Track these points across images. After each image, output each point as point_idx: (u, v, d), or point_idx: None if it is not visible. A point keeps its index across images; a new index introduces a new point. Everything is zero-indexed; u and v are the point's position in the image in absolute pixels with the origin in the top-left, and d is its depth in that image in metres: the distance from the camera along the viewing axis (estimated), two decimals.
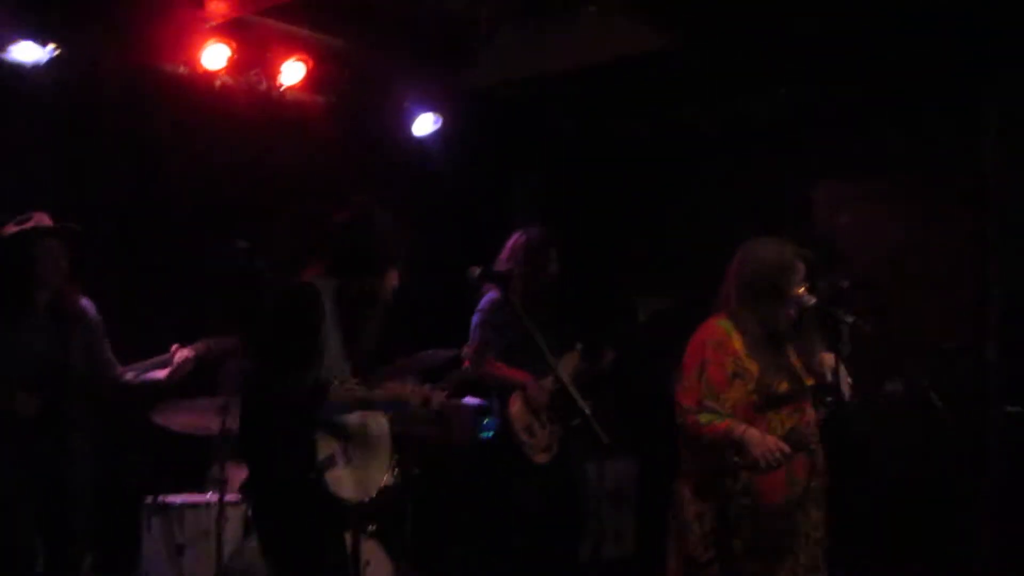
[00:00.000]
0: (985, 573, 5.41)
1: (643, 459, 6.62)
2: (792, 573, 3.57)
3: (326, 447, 3.40)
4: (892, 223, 6.08)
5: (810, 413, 3.65)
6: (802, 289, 3.64)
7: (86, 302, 4.40)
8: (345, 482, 3.36)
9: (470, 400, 5.36)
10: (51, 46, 4.87)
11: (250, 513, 3.63)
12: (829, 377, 3.59)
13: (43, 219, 4.23)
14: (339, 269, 3.46)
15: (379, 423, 3.63)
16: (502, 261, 5.50)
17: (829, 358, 3.62)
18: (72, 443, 4.28)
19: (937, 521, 5.15)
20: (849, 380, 3.68)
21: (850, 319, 3.60)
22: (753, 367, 3.59)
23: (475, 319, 5.35)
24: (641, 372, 5.83)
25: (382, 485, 3.49)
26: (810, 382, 3.68)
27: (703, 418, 3.51)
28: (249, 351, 3.49)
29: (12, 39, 4.84)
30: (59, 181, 5.10)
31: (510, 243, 5.54)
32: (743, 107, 6.27)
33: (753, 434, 3.43)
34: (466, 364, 4.91)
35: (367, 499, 3.45)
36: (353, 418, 3.54)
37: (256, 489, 3.40)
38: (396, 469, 4.49)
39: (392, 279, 3.54)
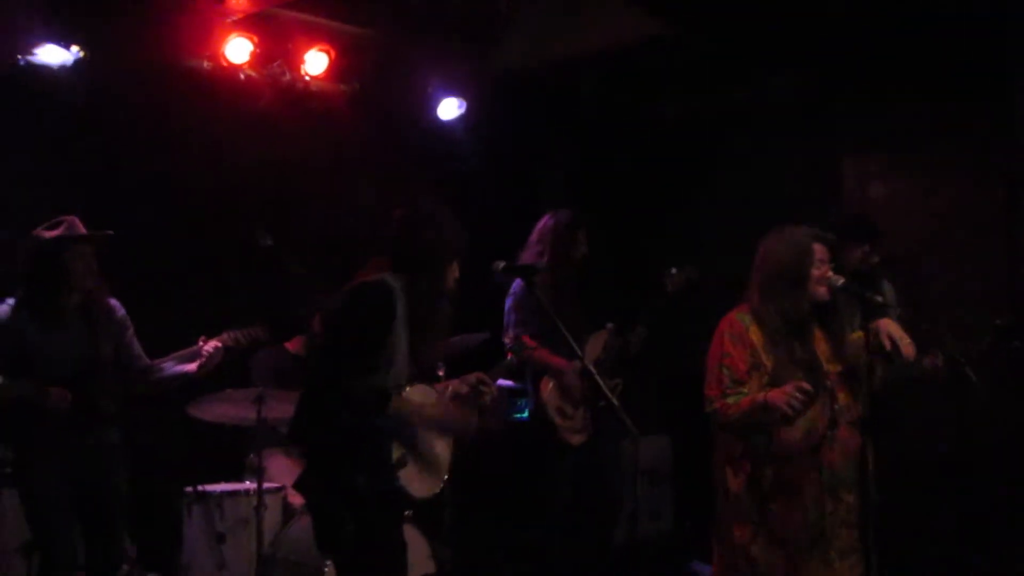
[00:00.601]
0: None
1: (677, 436, 6.60)
2: (824, 555, 3.52)
3: (397, 448, 3.39)
4: (923, 197, 5.99)
5: (841, 398, 3.59)
6: (827, 270, 3.57)
7: (114, 302, 4.41)
8: (414, 480, 3.36)
9: (502, 382, 5.34)
10: (75, 48, 4.88)
11: (307, 508, 3.55)
12: (888, 345, 3.50)
13: (75, 224, 4.24)
14: (405, 266, 3.39)
15: (440, 408, 3.56)
16: (532, 243, 5.48)
17: (885, 324, 3.54)
18: (106, 438, 4.31)
19: (977, 498, 5.01)
20: (908, 340, 3.57)
21: (880, 298, 3.51)
22: (768, 362, 3.57)
23: (508, 302, 5.35)
24: (672, 348, 5.74)
25: (446, 478, 3.45)
26: (834, 370, 3.60)
27: (730, 399, 3.54)
28: (318, 348, 3.40)
29: (38, 42, 4.85)
30: (89, 178, 5.12)
31: (539, 226, 5.50)
32: (769, 84, 6.16)
33: (774, 393, 3.45)
34: (509, 356, 4.87)
35: (433, 494, 3.48)
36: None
37: (325, 487, 3.31)
38: None
39: (454, 272, 3.50)
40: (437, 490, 3.48)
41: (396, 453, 3.34)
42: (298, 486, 3.47)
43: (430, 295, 3.41)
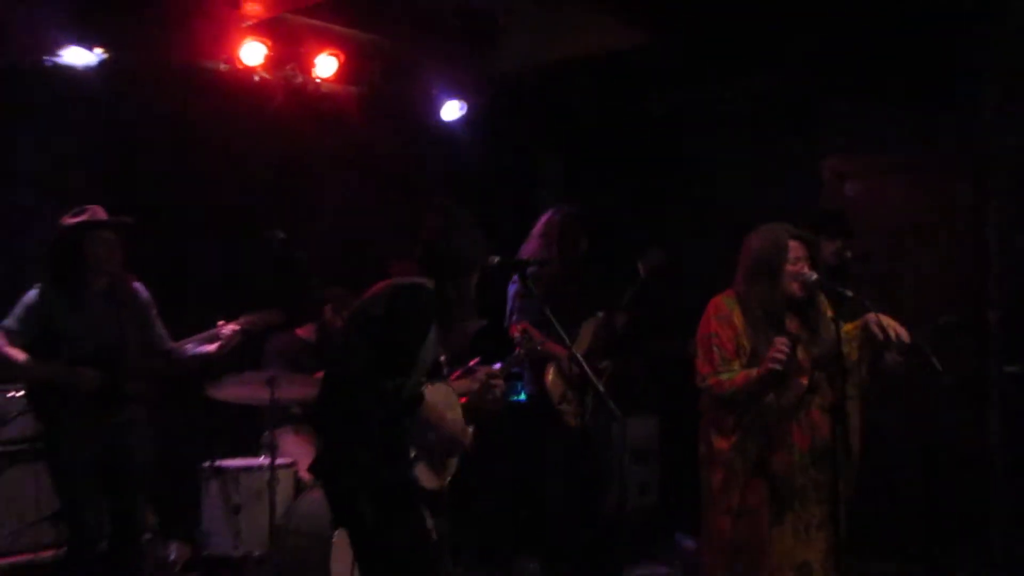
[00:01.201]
0: (995, 527, 5.35)
1: (663, 416, 6.60)
2: (794, 527, 3.56)
3: (413, 447, 3.41)
4: (896, 197, 5.96)
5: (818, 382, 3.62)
6: (802, 267, 3.58)
7: (138, 285, 4.43)
8: (425, 475, 3.37)
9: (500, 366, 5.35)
10: (99, 50, 4.86)
11: (326, 492, 3.51)
12: (881, 335, 3.48)
13: (98, 212, 4.26)
14: (435, 271, 3.32)
15: (456, 415, 3.56)
16: (535, 236, 5.48)
17: (874, 316, 3.52)
18: (131, 415, 4.33)
19: (946, 479, 5.07)
20: (897, 324, 3.56)
21: (850, 292, 3.52)
22: (748, 344, 3.60)
23: (511, 289, 5.36)
24: (657, 333, 5.76)
25: (454, 473, 3.45)
26: (805, 356, 3.61)
27: (723, 376, 3.57)
28: (349, 342, 3.33)
29: (63, 44, 4.84)
30: (112, 174, 5.12)
31: (543, 220, 5.50)
32: (753, 86, 6.15)
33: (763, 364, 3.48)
34: (517, 349, 4.85)
35: (442, 487, 3.45)
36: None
37: (344, 477, 3.26)
38: None
39: (475, 278, 3.45)
40: (442, 486, 3.49)
41: (414, 450, 3.35)
42: (313, 469, 3.42)
43: (458, 300, 3.37)
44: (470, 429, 3.47)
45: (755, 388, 3.50)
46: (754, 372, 3.49)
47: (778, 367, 3.39)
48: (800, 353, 3.54)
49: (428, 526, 3.36)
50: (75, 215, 4.21)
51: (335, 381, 3.32)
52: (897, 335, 3.45)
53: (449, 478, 3.45)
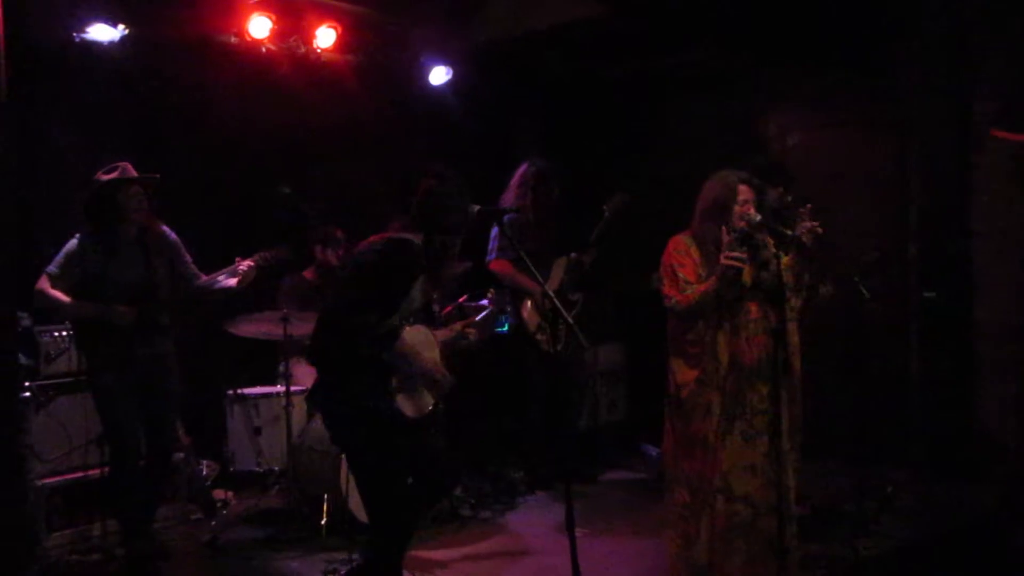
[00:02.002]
0: (913, 425, 5.54)
1: (629, 343, 6.66)
2: (743, 432, 3.66)
3: (394, 377, 3.44)
4: (830, 147, 6.02)
5: (754, 311, 3.70)
6: (749, 208, 3.65)
7: (166, 228, 4.43)
8: (406, 404, 3.41)
9: (486, 302, 5.42)
10: (121, 26, 4.82)
11: (321, 416, 3.60)
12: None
13: (128, 168, 4.25)
14: (425, 226, 3.38)
15: (433, 355, 3.59)
16: (512, 187, 5.53)
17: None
18: (162, 347, 4.35)
19: (874, 387, 5.20)
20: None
21: (790, 232, 3.58)
22: (704, 274, 3.68)
23: (493, 230, 5.41)
24: (622, 270, 5.85)
25: (433, 403, 3.53)
26: (749, 275, 3.68)
27: (688, 291, 3.65)
28: (344, 285, 3.41)
29: (89, 21, 4.80)
30: (138, 139, 5.10)
31: (519, 172, 5.55)
32: (704, 53, 6.14)
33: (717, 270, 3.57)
34: (489, 304, 4.83)
35: (422, 415, 3.52)
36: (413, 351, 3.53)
37: (337, 404, 3.35)
38: None
39: (460, 236, 3.49)
40: (422, 414, 3.47)
41: (394, 381, 3.38)
42: (310, 398, 3.51)
43: (445, 255, 3.42)
44: (449, 374, 3.54)
45: (716, 287, 3.56)
46: (713, 278, 3.58)
47: (732, 262, 3.48)
48: (745, 275, 3.61)
49: (405, 446, 3.39)
50: (108, 172, 4.20)
51: (327, 319, 3.38)
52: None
53: (429, 408, 3.52)
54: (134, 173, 4.24)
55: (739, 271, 3.53)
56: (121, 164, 4.24)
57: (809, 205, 3.58)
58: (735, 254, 3.49)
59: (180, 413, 4.63)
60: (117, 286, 4.20)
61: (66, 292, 4.18)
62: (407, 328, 3.41)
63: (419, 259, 3.31)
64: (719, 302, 3.62)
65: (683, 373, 3.72)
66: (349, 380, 3.29)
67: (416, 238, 3.35)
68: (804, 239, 3.57)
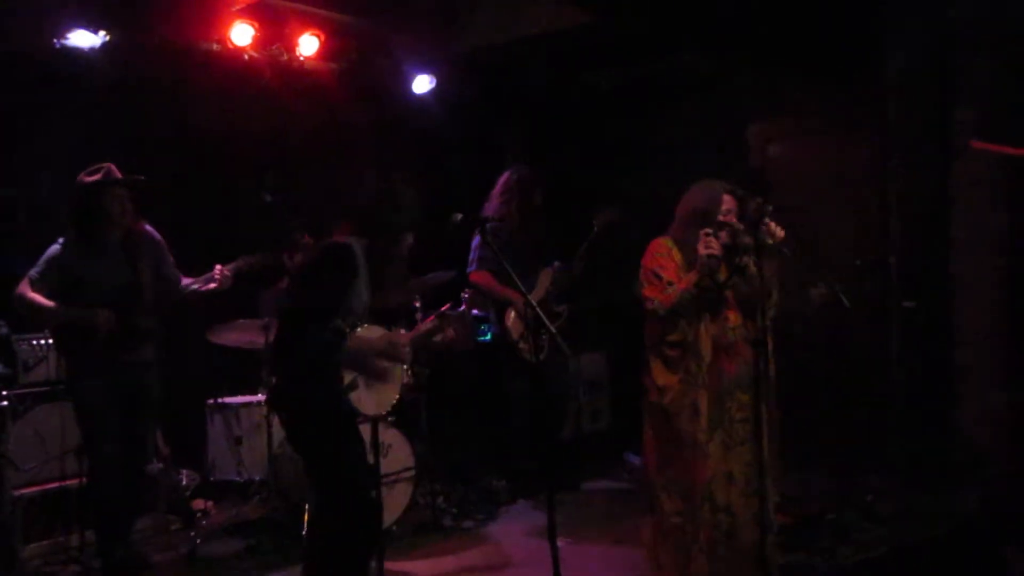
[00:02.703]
0: (893, 432, 5.54)
1: (613, 353, 6.69)
2: (723, 441, 3.68)
3: (348, 375, 3.52)
4: (811, 156, 6.04)
5: (732, 319, 3.74)
6: (731, 218, 3.66)
7: (149, 228, 4.41)
8: (365, 401, 3.44)
9: (474, 312, 5.42)
10: (102, 32, 4.80)
11: (280, 419, 3.68)
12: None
13: (112, 169, 4.22)
14: (367, 232, 3.48)
15: (380, 334, 3.68)
16: (495, 195, 5.52)
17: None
18: (143, 354, 4.33)
19: (855, 394, 5.22)
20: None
21: (770, 240, 3.58)
22: (683, 277, 3.70)
23: (475, 240, 5.40)
24: (606, 280, 5.86)
25: (395, 400, 3.55)
26: (731, 295, 3.72)
27: (669, 290, 3.65)
28: (291, 292, 3.49)
29: (70, 28, 4.77)
30: (120, 145, 5.04)
31: (502, 180, 5.55)
32: (686, 63, 6.17)
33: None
34: (464, 305, 4.83)
35: (383, 412, 3.52)
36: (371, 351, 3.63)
37: (291, 405, 3.44)
38: (410, 371, 4.58)
39: (408, 240, 3.59)
40: (388, 407, 3.55)
41: (347, 379, 3.47)
42: (269, 402, 3.62)
43: (385, 258, 3.53)
44: (404, 342, 3.62)
45: (696, 280, 3.57)
46: (693, 272, 3.58)
47: (711, 251, 3.50)
48: (721, 273, 3.64)
49: (361, 445, 3.49)
50: (91, 173, 4.17)
51: (279, 323, 3.49)
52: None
53: (393, 402, 3.56)
54: (118, 175, 4.21)
55: (719, 261, 3.55)
56: (105, 166, 4.21)
57: (771, 208, 3.59)
58: (713, 241, 3.51)
59: (160, 422, 4.61)
60: (101, 290, 4.18)
61: (48, 297, 4.15)
62: (361, 328, 3.49)
63: (354, 262, 3.39)
64: (700, 300, 3.63)
65: (664, 377, 3.71)
66: (303, 382, 3.35)
67: (360, 242, 3.42)
68: (784, 249, 3.59)
